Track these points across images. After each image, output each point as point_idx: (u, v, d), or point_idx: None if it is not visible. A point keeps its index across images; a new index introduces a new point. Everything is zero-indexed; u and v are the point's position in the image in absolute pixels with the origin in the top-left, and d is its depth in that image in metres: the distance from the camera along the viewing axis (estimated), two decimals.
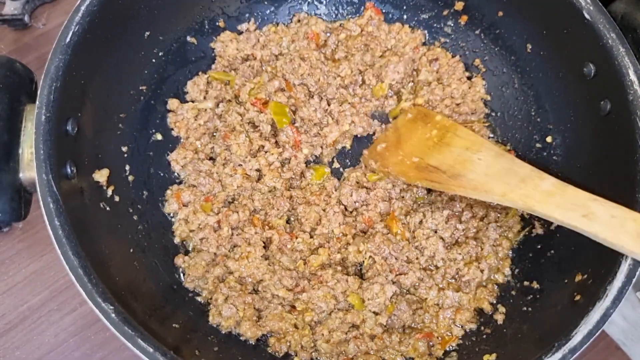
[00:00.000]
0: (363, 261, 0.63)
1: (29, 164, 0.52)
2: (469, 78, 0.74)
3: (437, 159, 0.63)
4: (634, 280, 0.49)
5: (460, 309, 0.61)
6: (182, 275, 0.63)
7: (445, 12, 0.74)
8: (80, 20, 0.54)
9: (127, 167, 0.63)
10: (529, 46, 0.68)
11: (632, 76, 0.55)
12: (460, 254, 0.63)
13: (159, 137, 0.68)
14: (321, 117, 0.70)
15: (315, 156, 0.70)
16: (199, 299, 0.62)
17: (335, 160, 0.71)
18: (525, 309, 0.60)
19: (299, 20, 0.75)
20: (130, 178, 0.63)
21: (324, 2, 0.76)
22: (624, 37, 0.57)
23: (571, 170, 0.64)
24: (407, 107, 0.71)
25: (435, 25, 0.75)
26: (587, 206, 0.51)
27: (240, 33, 0.74)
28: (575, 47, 0.61)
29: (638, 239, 0.48)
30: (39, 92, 0.51)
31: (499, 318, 0.61)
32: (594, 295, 0.50)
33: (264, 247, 0.64)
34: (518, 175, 0.57)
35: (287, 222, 0.67)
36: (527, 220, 0.66)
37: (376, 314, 0.60)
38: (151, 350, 0.46)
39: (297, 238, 0.64)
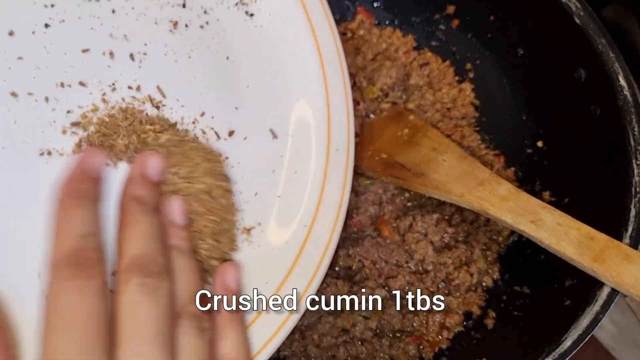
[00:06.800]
0: (352, 265, 0.63)
1: None
2: (460, 82, 0.74)
3: (405, 156, 0.65)
4: None
5: (449, 312, 0.61)
6: None
7: (436, 16, 0.74)
8: None
9: None
10: (520, 50, 0.68)
11: (622, 81, 0.55)
12: (450, 257, 0.62)
13: None
14: None
15: None
16: None
17: None
18: (515, 313, 0.60)
19: None
20: None
21: None
22: (614, 43, 0.57)
23: (561, 175, 0.64)
24: (386, 107, 0.72)
25: (426, 28, 0.75)
26: (537, 213, 0.53)
27: None
28: (565, 52, 0.62)
29: (579, 247, 0.50)
30: None
31: (489, 323, 0.61)
32: (583, 300, 0.50)
33: None
34: (477, 178, 0.59)
35: None
36: None
37: (366, 318, 0.60)
38: None
39: None
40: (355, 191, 0.67)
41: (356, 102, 0.72)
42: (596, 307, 0.49)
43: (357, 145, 0.70)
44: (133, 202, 0.37)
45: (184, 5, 0.48)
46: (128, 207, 0.36)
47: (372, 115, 0.72)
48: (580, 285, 0.53)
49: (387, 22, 0.76)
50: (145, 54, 0.45)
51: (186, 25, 0.48)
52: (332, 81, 0.54)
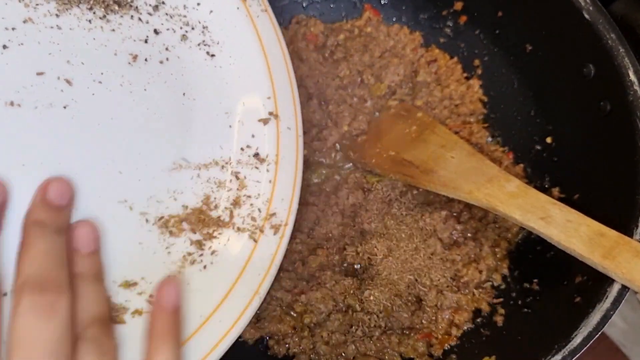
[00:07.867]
0: (361, 262, 0.63)
1: None
2: (468, 79, 0.74)
3: (413, 154, 0.65)
4: None
5: (458, 309, 0.61)
6: None
7: (444, 12, 0.74)
8: None
9: None
10: (529, 46, 0.67)
11: (632, 77, 0.55)
12: (458, 254, 0.62)
13: None
14: (320, 118, 0.70)
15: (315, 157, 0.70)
16: None
17: (334, 161, 0.71)
18: (524, 310, 0.60)
19: (297, 22, 0.75)
20: None
21: (323, 3, 0.76)
22: (623, 38, 0.56)
23: (571, 171, 0.64)
24: (394, 104, 0.71)
25: (434, 25, 0.75)
26: (546, 209, 0.53)
27: None
28: (574, 48, 0.61)
29: (589, 243, 0.50)
30: None
31: (499, 320, 0.60)
32: (593, 297, 0.50)
33: None
34: (486, 175, 0.59)
35: None
36: None
37: (375, 315, 0.60)
38: None
39: (295, 239, 0.64)
40: (363, 189, 0.68)
41: (364, 100, 0.72)
42: (606, 304, 0.49)
43: (365, 142, 0.70)
44: (32, 225, 0.36)
45: (146, 41, 0.49)
46: (27, 230, 0.36)
47: (379, 113, 0.72)
48: (590, 282, 0.53)
49: (394, 19, 0.76)
50: (100, 82, 0.45)
51: (146, 60, 0.49)
52: (284, 122, 0.56)
